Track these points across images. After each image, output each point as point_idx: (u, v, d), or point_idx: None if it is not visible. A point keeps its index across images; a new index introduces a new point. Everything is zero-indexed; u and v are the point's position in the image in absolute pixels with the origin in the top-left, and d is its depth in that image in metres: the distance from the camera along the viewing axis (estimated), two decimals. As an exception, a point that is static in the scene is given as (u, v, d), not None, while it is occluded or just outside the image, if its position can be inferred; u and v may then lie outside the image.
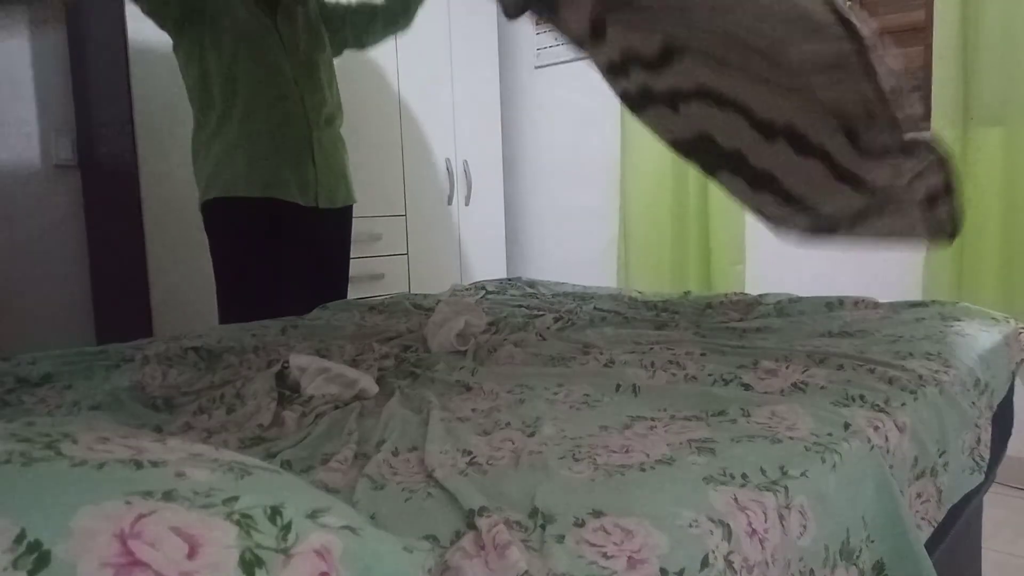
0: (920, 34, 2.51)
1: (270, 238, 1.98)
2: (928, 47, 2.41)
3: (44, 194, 2.39)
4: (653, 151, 2.99)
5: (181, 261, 2.28)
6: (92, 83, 2.35)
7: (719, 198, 2.79)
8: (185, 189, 2.29)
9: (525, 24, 3.42)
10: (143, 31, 2.18)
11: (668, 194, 2.95)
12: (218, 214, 1.96)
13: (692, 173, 2.89)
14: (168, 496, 0.43)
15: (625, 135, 3.07)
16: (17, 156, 2.34)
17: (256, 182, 1.94)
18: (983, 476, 1.14)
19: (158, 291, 2.24)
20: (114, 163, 2.30)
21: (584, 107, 3.28)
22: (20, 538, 0.37)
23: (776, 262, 2.77)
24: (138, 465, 0.47)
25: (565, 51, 3.31)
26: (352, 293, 2.63)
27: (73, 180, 2.45)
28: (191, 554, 0.40)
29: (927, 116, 2.41)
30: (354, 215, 2.64)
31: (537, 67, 3.42)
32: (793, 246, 2.77)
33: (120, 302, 2.36)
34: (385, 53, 2.81)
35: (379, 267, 2.80)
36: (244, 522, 0.43)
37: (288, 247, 2.02)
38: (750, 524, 0.66)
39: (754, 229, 2.81)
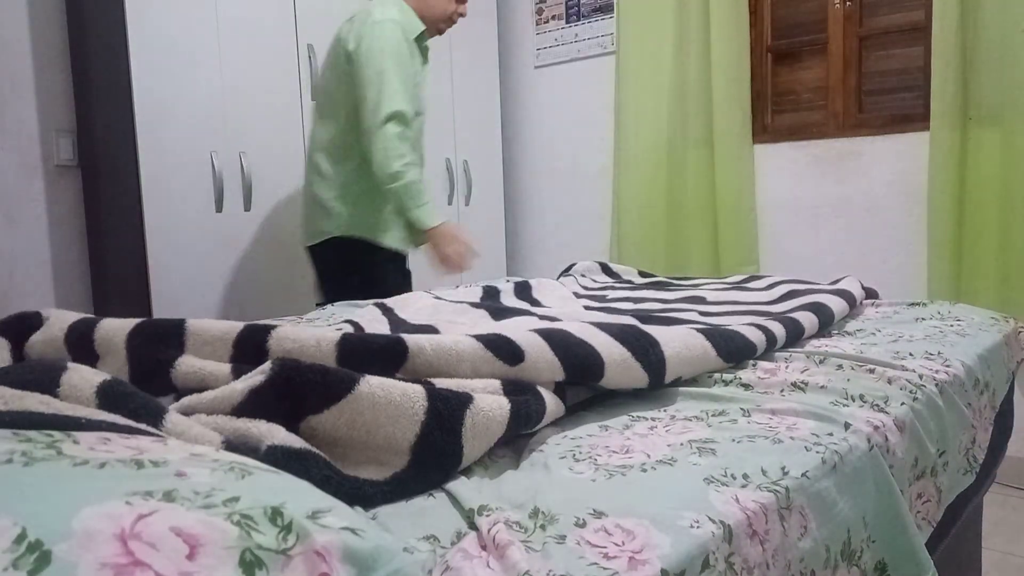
0: (920, 34, 2.51)
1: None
2: (928, 47, 2.41)
3: (45, 194, 2.39)
4: (647, 152, 2.99)
5: (181, 261, 2.29)
6: (92, 83, 2.35)
7: (727, 197, 2.79)
8: (185, 190, 2.29)
9: (525, 24, 3.42)
10: (143, 31, 2.18)
11: (663, 195, 2.95)
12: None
13: (691, 172, 2.89)
14: (169, 496, 0.43)
15: (620, 136, 3.07)
16: (18, 156, 2.33)
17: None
18: (974, 476, 1.14)
19: (158, 291, 2.24)
20: (114, 163, 2.30)
21: (584, 107, 3.28)
22: (21, 538, 0.37)
23: (789, 263, 2.78)
24: (139, 465, 0.47)
25: (565, 51, 3.32)
26: (352, 293, 2.63)
27: (73, 180, 2.45)
28: (191, 555, 0.40)
29: (926, 116, 2.41)
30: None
31: (537, 67, 3.42)
32: (805, 246, 2.77)
33: (120, 302, 2.36)
34: (385, 53, 2.81)
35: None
36: (244, 523, 0.43)
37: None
38: (751, 525, 0.66)
39: (765, 229, 2.82)
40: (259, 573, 0.41)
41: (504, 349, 0.88)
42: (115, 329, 0.91)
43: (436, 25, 2.16)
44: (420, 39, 2.10)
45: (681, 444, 0.79)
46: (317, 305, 2.11)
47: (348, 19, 2.11)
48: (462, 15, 2.19)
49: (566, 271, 2.10)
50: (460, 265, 2.04)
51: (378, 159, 1.94)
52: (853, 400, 0.96)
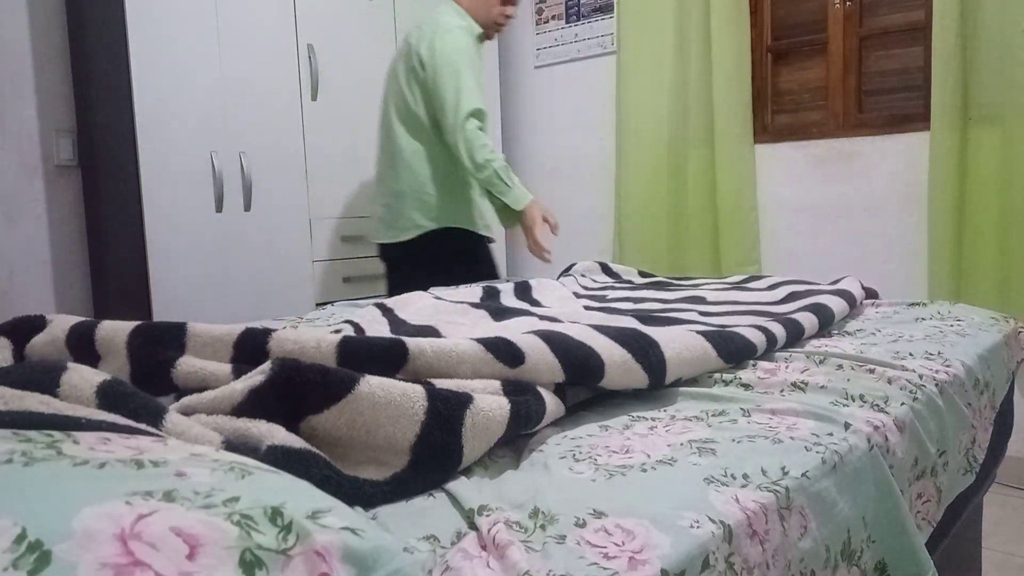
0: (920, 34, 2.51)
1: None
2: (928, 47, 2.41)
3: (45, 194, 2.39)
4: (649, 152, 2.99)
5: (181, 261, 2.29)
6: (92, 83, 2.35)
7: (727, 197, 2.79)
8: (185, 190, 2.29)
9: (525, 24, 3.42)
10: (143, 31, 2.18)
11: (664, 195, 2.95)
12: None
13: (692, 172, 2.89)
14: (169, 496, 0.43)
15: (620, 136, 3.07)
16: (18, 156, 2.34)
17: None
18: (974, 476, 1.14)
19: (158, 291, 2.24)
20: (114, 163, 2.30)
21: (584, 107, 3.28)
22: (21, 538, 0.37)
23: (789, 263, 2.77)
24: (139, 465, 0.47)
25: (565, 51, 3.32)
26: (352, 293, 2.63)
27: (73, 180, 2.45)
28: (191, 555, 0.40)
29: (926, 116, 2.41)
30: (355, 214, 2.65)
31: (537, 67, 3.42)
32: (807, 246, 2.77)
33: (120, 302, 2.36)
34: (385, 53, 2.81)
35: (379, 267, 2.80)
36: (244, 523, 0.43)
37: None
38: (751, 525, 0.66)
39: (765, 229, 2.81)
40: (259, 573, 0.41)
41: (504, 351, 0.88)
42: (116, 330, 0.92)
43: (487, 31, 2.29)
44: (479, 41, 2.25)
45: (681, 444, 0.79)
46: (317, 306, 2.12)
47: (416, 27, 2.23)
48: (509, 16, 2.31)
49: (566, 271, 2.10)
50: (540, 251, 2.20)
51: (464, 153, 2.10)
52: (853, 400, 0.96)
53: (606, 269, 2.12)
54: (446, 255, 2.22)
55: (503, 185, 2.12)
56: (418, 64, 2.16)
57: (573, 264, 2.15)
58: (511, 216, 2.25)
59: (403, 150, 2.22)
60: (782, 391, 1.00)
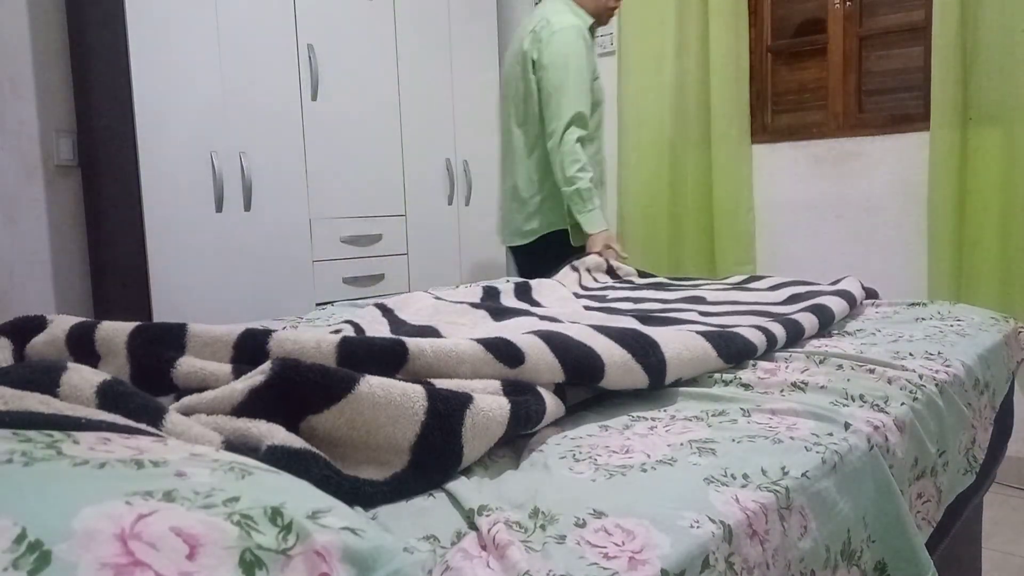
0: (920, 34, 2.51)
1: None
2: (928, 47, 2.41)
3: (45, 194, 2.39)
4: (650, 152, 2.99)
5: (181, 261, 2.29)
6: (92, 83, 2.35)
7: (724, 196, 2.79)
8: (185, 190, 2.29)
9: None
10: (143, 31, 2.18)
11: (665, 194, 2.95)
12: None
13: (691, 172, 2.89)
14: (169, 496, 0.43)
15: (621, 136, 3.07)
16: (18, 157, 2.33)
17: None
18: (974, 476, 1.14)
19: (158, 291, 2.24)
20: (114, 163, 2.30)
21: (584, 107, 3.27)
22: (21, 538, 0.37)
23: (789, 263, 2.77)
24: (139, 465, 0.47)
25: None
26: (352, 293, 2.63)
27: (73, 180, 2.45)
28: (191, 555, 0.40)
29: (926, 116, 2.41)
30: (355, 214, 2.65)
31: (537, 67, 3.41)
32: (805, 245, 2.77)
33: (120, 302, 2.36)
34: (385, 53, 2.81)
35: (379, 267, 2.80)
36: (244, 523, 0.43)
37: None
38: (751, 525, 0.66)
39: (765, 229, 2.81)
40: (259, 573, 0.41)
41: (504, 351, 0.88)
42: (116, 330, 0.92)
43: (599, 18, 2.34)
44: (591, 31, 2.31)
45: (681, 444, 0.79)
46: (317, 306, 2.13)
47: (530, 30, 2.27)
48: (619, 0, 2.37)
49: (571, 264, 2.10)
50: None
51: (557, 164, 2.21)
52: (853, 400, 0.96)
53: (608, 269, 2.13)
54: (563, 254, 2.26)
55: (581, 205, 2.21)
56: (531, 68, 2.24)
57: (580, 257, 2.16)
58: (581, 235, 2.30)
59: (519, 153, 2.32)
60: (782, 391, 1.00)
